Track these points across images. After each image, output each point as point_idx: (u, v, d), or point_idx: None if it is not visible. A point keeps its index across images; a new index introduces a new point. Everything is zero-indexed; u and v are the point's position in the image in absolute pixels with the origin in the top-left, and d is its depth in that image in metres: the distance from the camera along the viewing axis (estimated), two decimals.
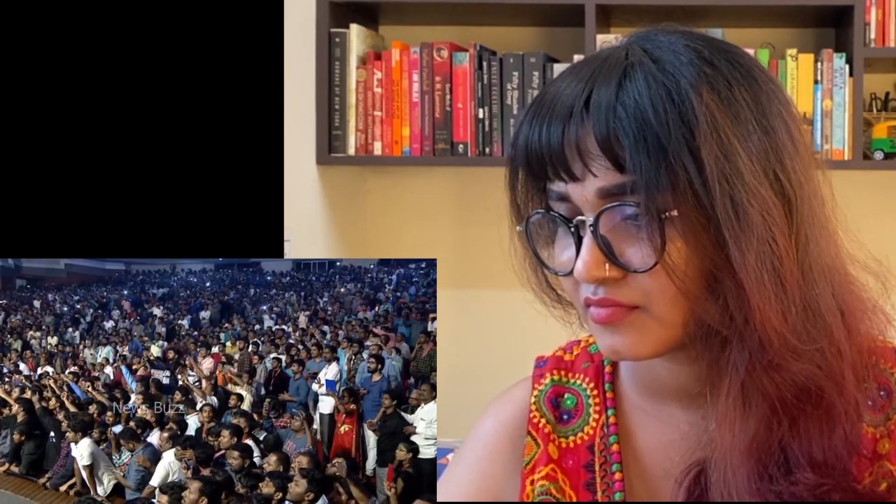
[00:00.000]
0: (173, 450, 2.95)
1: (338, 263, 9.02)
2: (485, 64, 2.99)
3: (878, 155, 2.94)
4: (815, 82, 2.91)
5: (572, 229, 0.92)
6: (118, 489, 3.11)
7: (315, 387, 3.69)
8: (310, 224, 2.99)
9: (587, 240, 0.91)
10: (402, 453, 2.78)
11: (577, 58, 3.01)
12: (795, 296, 0.90)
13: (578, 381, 1.08)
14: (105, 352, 5.35)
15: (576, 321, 1.01)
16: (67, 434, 3.22)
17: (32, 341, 5.91)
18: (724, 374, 0.92)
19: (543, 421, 1.06)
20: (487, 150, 2.99)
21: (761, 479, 0.91)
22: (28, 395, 3.92)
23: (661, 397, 1.02)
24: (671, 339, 0.92)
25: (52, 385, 4.13)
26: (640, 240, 0.89)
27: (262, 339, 5.14)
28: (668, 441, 1.00)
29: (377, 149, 3.01)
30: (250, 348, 4.75)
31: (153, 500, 2.58)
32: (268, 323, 6.15)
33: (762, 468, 0.91)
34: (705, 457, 0.95)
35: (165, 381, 4.33)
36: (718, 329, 0.91)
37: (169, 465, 2.93)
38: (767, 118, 0.91)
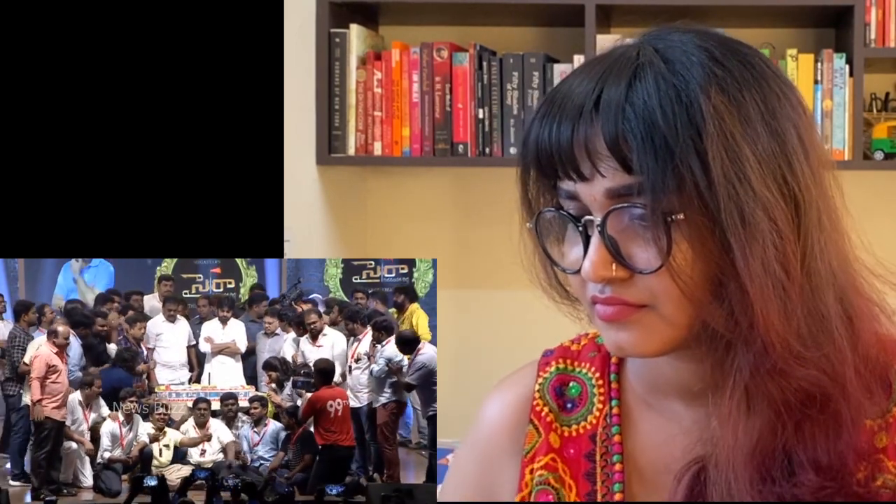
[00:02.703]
0: None
1: None
2: (485, 64, 2.99)
3: (878, 155, 2.94)
4: (815, 82, 2.91)
5: (580, 228, 0.92)
6: None
7: None
8: (310, 224, 2.99)
9: (595, 240, 0.91)
10: None
11: (577, 58, 3.01)
12: (800, 302, 0.90)
13: (584, 370, 1.08)
14: None
15: (584, 317, 1.01)
16: None
17: None
18: (728, 376, 0.92)
19: (546, 409, 1.06)
20: (487, 150, 2.98)
21: (763, 482, 0.91)
22: None
23: (664, 392, 1.02)
24: (676, 338, 0.92)
25: None
26: (647, 241, 0.89)
27: None
28: (669, 436, 1.00)
29: (377, 149, 3.00)
30: None
31: None
32: None
33: (765, 470, 0.91)
34: (706, 454, 0.95)
35: None
36: (723, 333, 0.91)
37: None
38: (777, 120, 0.91)
